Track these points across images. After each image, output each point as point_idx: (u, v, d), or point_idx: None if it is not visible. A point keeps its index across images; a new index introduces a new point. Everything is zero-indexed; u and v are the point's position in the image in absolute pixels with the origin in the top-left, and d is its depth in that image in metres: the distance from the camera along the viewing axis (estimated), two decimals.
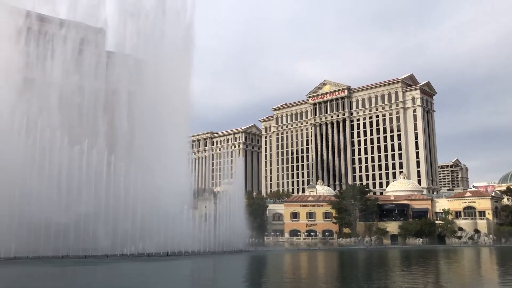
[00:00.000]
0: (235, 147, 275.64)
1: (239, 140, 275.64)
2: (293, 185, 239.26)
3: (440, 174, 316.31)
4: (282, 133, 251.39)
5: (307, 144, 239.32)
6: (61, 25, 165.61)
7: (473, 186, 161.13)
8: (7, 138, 74.01)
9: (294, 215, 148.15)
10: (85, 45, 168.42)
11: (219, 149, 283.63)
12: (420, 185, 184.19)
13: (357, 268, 61.51)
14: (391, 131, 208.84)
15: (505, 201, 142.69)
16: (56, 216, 69.40)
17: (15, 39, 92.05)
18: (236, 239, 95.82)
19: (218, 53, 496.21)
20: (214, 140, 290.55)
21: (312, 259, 78.15)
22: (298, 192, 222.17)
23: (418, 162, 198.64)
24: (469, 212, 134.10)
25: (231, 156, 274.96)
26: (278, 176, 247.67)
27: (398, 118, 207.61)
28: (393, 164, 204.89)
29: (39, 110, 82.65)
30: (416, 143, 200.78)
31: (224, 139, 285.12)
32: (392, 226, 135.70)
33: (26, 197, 69.56)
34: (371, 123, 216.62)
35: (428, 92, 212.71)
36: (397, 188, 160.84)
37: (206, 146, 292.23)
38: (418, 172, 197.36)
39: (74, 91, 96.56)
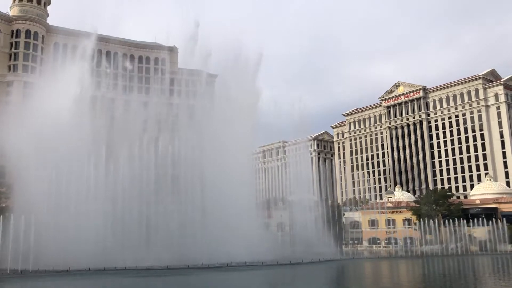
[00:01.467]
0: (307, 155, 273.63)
1: (311, 147, 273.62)
2: (369, 192, 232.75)
3: None
4: (355, 139, 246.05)
5: (383, 148, 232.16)
6: (136, 46, 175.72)
7: None
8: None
9: (373, 223, 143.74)
10: (159, 63, 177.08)
11: (292, 158, 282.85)
12: (509, 187, 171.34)
13: (446, 278, 58.12)
14: (473, 130, 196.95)
15: None
16: None
17: (88, 61, 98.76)
18: (314, 248, 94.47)
19: (289, 61, 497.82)
20: (286, 148, 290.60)
21: (394, 268, 75.11)
22: (375, 198, 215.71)
23: (505, 163, 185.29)
24: None
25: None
26: (353, 183, 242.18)
27: (480, 117, 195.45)
28: (477, 166, 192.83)
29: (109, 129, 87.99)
30: (502, 142, 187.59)
31: (296, 147, 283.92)
32: (480, 232, 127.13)
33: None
34: (450, 123, 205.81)
35: None
36: (483, 191, 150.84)
37: (278, 155, 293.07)
38: (506, 173, 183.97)
39: (162, 109, 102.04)
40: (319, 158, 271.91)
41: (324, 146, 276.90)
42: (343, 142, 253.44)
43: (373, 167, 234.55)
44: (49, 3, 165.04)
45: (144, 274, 61.44)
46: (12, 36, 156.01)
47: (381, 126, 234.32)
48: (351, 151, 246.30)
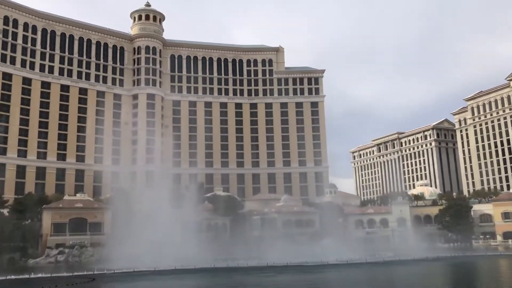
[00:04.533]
0: (426, 145, 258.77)
1: (430, 137, 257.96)
2: (500, 182, 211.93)
3: None
4: (480, 125, 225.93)
5: None
6: (243, 50, 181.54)
7: None
8: None
9: (507, 215, 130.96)
10: (266, 65, 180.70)
11: (409, 150, 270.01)
12: None
13: None
14: None
15: None
16: None
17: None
18: (436, 243, 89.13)
19: (400, 48, 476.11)
20: (402, 140, 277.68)
21: None
22: (508, 189, 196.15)
23: None
24: None
25: (423, 156, 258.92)
26: (480, 172, 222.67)
27: None
28: None
29: None
30: None
31: (413, 138, 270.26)
32: None
33: None
34: None
35: None
36: None
37: (394, 147, 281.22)
38: None
39: None
40: (439, 148, 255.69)
41: (444, 135, 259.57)
42: (466, 130, 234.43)
43: (503, 155, 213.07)
44: (164, 19, 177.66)
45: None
46: (134, 53, 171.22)
47: (510, 109, 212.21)
48: (476, 139, 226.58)
